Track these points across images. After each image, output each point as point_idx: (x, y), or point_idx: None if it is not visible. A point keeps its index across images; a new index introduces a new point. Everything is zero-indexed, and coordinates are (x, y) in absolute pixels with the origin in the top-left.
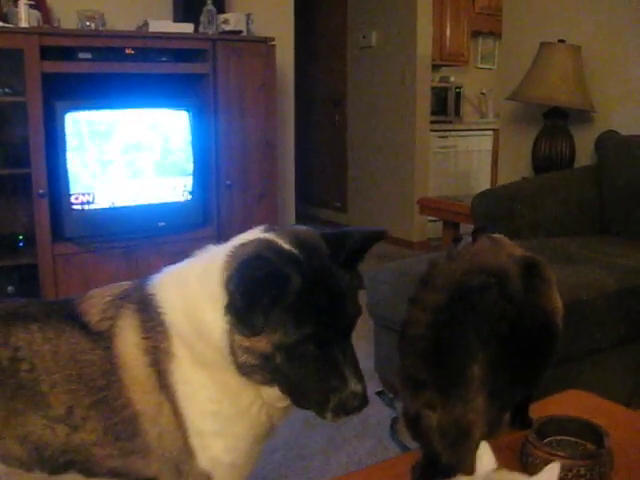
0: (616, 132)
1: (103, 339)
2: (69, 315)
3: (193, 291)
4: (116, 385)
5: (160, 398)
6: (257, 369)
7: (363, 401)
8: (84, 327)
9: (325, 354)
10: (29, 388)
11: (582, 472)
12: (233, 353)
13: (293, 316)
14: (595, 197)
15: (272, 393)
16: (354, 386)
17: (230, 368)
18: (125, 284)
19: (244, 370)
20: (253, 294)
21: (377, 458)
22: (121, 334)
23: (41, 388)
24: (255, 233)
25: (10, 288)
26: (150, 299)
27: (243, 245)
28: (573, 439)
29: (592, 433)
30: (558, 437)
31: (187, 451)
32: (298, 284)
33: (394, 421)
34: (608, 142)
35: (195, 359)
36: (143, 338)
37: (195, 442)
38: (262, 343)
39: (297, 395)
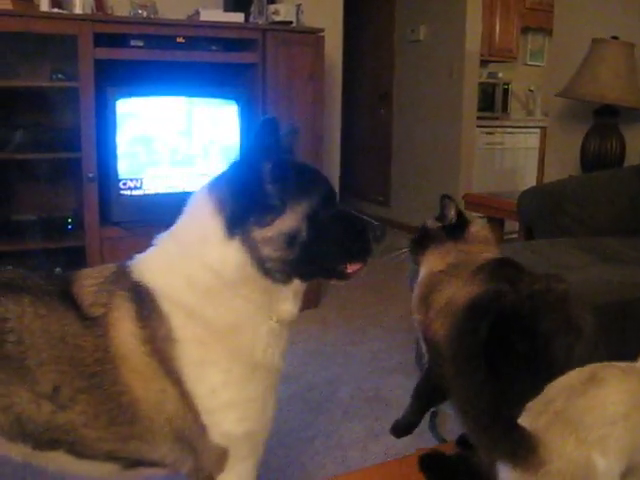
0: None
1: (97, 326)
2: (63, 293)
3: (184, 256)
4: (111, 373)
5: (163, 385)
6: (280, 260)
7: (383, 232)
8: (77, 309)
9: (344, 217)
10: (15, 360)
11: None
12: (255, 257)
13: (306, 185)
14: None
15: (287, 301)
16: (374, 223)
17: (251, 292)
18: (112, 267)
19: (268, 267)
20: (258, 179)
21: (415, 450)
22: (117, 324)
23: (28, 363)
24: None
25: (58, 269)
26: (140, 287)
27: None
28: None
29: None
30: None
31: (199, 430)
32: (284, 162)
33: (433, 414)
34: None
35: (204, 327)
36: (140, 327)
37: (207, 420)
38: (288, 220)
39: (321, 263)
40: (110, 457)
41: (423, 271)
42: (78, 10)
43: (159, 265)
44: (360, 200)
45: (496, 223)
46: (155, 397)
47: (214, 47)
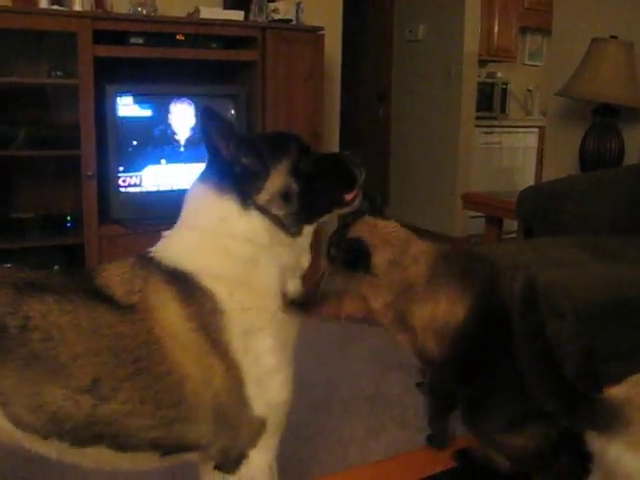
0: None
1: (135, 312)
2: (88, 288)
3: (213, 237)
4: (158, 353)
5: (211, 360)
6: (288, 215)
7: (359, 154)
8: (108, 300)
9: (322, 159)
10: (45, 358)
11: None
12: (271, 218)
13: (279, 145)
14: None
15: (305, 252)
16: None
17: (282, 251)
18: (131, 259)
19: (283, 223)
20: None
21: (415, 447)
22: (158, 307)
23: (60, 359)
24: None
25: (56, 267)
26: (174, 270)
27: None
28: None
29: None
30: None
31: (242, 403)
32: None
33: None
34: None
35: (249, 294)
36: (184, 306)
37: (252, 391)
38: (276, 180)
39: (320, 203)
40: (153, 445)
41: (372, 302)
42: (78, 7)
43: (186, 249)
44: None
45: (495, 222)
46: (202, 373)
47: (214, 45)
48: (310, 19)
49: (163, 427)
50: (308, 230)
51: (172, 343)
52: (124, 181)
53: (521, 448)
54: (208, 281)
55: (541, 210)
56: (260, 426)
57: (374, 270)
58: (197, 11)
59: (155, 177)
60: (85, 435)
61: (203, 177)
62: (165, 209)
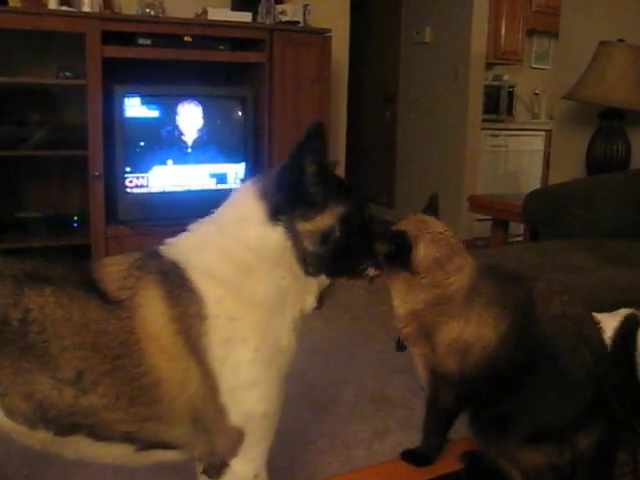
0: None
1: (122, 309)
2: (85, 282)
3: (220, 234)
4: (137, 354)
5: (188, 364)
6: (315, 254)
7: None
8: (101, 295)
9: (367, 222)
10: (38, 349)
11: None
12: (296, 246)
13: (344, 191)
14: None
15: (312, 294)
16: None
17: (285, 275)
18: (136, 254)
19: (304, 259)
20: (307, 178)
21: None
22: (144, 305)
23: (50, 350)
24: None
25: None
26: (173, 266)
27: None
28: (630, 434)
29: None
30: None
31: (217, 410)
32: (330, 165)
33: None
34: None
35: (239, 302)
36: (169, 307)
37: (227, 399)
38: (327, 219)
39: (348, 262)
40: (127, 438)
41: (401, 306)
42: (86, 8)
43: (193, 244)
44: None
45: (501, 225)
46: (179, 376)
47: (221, 46)
48: (317, 21)
49: (136, 423)
50: (322, 280)
51: (151, 345)
52: (131, 182)
53: (536, 465)
54: (201, 281)
55: (547, 213)
56: (238, 436)
57: (414, 267)
58: (205, 12)
59: (162, 178)
60: (66, 424)
61: (259, 179)
62: (172, 210)
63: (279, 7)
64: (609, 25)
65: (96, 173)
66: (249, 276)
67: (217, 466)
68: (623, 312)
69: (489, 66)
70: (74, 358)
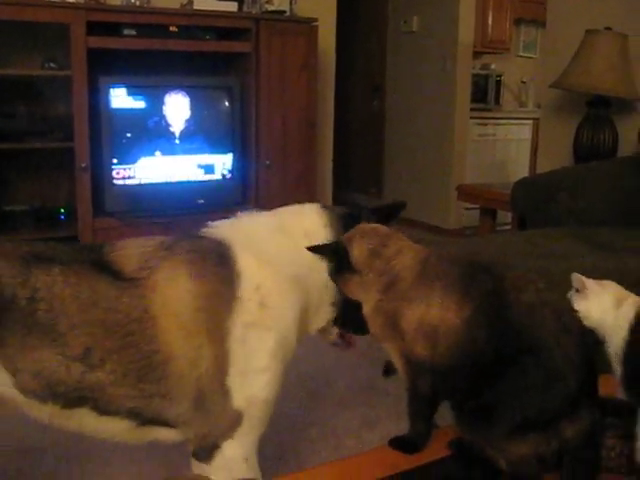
0: None
1: (136, 287)
2: (96, 262)
3: (286, 237)
4: (150, 331)
5: (202, 341)
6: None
7: None
8: (113, 275)
9: None
10: (46, 326)
11: (625, 451)
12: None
13: None
14: (638, 187)
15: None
16: None
17: (322, 291)
18: (161, 238)
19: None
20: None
21: None
22: (167, 282)
23: (58, 328)
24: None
25: None
26: (215, 246)
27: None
28: (616, 419)
29: (633, 413)
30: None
31: (222, 392)
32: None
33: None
34: None
35: (280, 293)
36: (199, 284)
37: (234, 382)
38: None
39: (348, 309)
40: (130, 414)
41: (364, 309)
42: None
43: (248, 225)
44: (353, 191)
45: (489, 214)
46: (191, 354)
47: (207, 36)
48: (304, 10)
49: (142, 399)
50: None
51: (167, 322)
52: (118, 173)
53: (522, 455)
54: (245, 262)
55: (535, 201)
56: (237, 418)
57: (356, 266)
58: (190, 2)
59: (149, 169)
60: (73, 397)
61: (328, 207)
62: (160, 201)
63: None
64: (596, 13)
65: (82, 165)
66: (296, 277)
67: (209, 448)
68: (608, 283)
69: (477, 55)
70: (82, 335)
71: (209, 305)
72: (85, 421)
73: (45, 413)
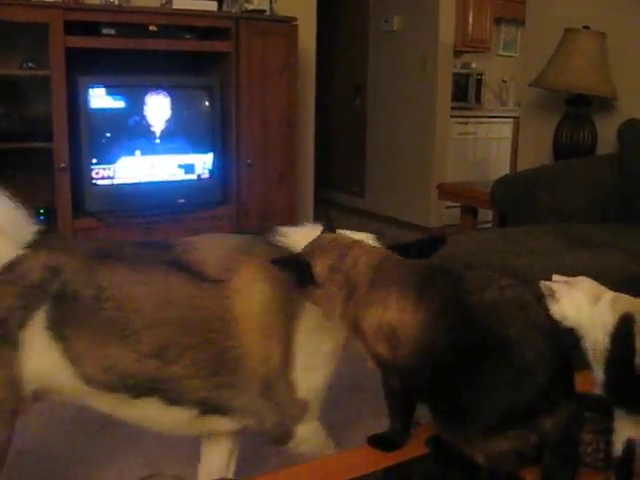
0: (638, 120)
1: (221, 288)
2: (173, 262)
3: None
4: (229, 330)
5: (273, 341)
6: None
7: None
8: (194, 275)
9: None
10: (116, 325)
11: (602, 446)
12: None
13: None
14: (616, 184)
15: None
16: None
17: None
18: (234, 240)
19: None
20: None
21: None
22: (248, 285)
23: (131, 326)
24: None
25: None
26: (289, 250)
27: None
28: (593, 414)
29: (611, 409)
30: None
31: (287, 385)
32: None
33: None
34: (630, 130)
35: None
36: (275, 289)
37: (298, 377)
38: None
39: None
40: (199, 403)
41: (330, 314)
42: None
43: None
44: (336, 191)
45: (470, 212)
46: (264, 352)
47: (187, 35)
48: (284, 10)
49: (213, 390)
50: None
51: (247, 322)
52: (97, 173)
53: (501, 451)
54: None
55: (515, 199)
56: (304, 406)
57: (318, 280)
58: (170, 1)
59: (129, 169)
60: (143, 389)
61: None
62: (140, 201)
63: None
64: (575, 12)
65: (62, 165)
66: None
67: (285, 432)
68: (579, 280)
69: (457, 54)
70: (158, 333)
71: (282, 309)
72: (150, 411)
73: (109, 403)
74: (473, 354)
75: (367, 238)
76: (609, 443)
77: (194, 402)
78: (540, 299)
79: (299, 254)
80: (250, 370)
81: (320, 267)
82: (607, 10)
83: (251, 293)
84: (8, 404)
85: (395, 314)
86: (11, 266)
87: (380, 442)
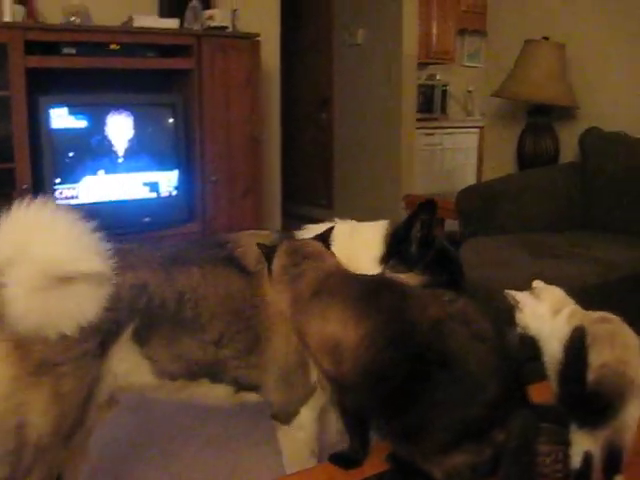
0: (599, 128)
1: (255, 278)
2: (227, 259)
3: (352, 243)
4: (263, 315)
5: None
6: None
7: None
8: (240, 269)
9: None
10: (190, 320)
11: (560, 457)
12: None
13: (436, 262)
14: (579, 193)
15: None
16: None
17: None
18: (272, 234)
19: None
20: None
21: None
22: None
23: (200, 320)
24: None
25: None
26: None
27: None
28: (551, 425)
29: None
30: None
31: (303, 369)
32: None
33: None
34: (591, 138)
35: None
36: None
37: (316, 359)
38: (412, 279)
39: None
40: (233, 381)
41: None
42: (8, 18)
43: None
44: (304, 205)
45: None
46: (287, 334)
47: (149, 53)
48: (247, 26)
49: (246, 369)
50: None
51: (275, 308)
52: (61, 193)
53: (456, 465)
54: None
55: (479, 210)
56: (312, 390)
57: (273, 276)
58: (131, 20)
59: (93, 188)
60: (201, 372)
61: (390, 224)
62: (105, 221)
63: (207, 12)
64: (535, 23)
65: (24, 186)
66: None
67: (290, 412)
68: (548, 289)
69: (422, 66)
70: (219, 323)
71: None
72: (198, 390)
73: (167, 390)
74: (416, 370)
75: (380, 224)
76: (567, 454)
77: (230, 380)
78: (484, 314)
79: (272, 248)
80: (274, 351)
81: (276, 265)
82: (566, 21)
83: None
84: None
85: (337, 327)
86: None
87: (341, 460)
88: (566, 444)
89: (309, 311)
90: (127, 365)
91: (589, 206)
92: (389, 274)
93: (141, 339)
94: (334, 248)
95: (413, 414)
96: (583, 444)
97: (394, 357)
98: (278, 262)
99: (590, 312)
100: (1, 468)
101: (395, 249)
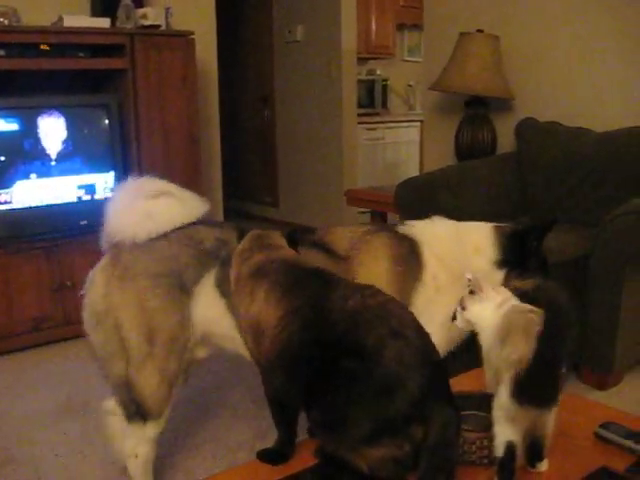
0: (534, 119)
1: (348, 263)
2: (316, 242)
3: (461, 246)
4: None
5: None
6: None
7: None
8: (329, 252)
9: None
10: None
11: (485, 443)
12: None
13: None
14: (516, 182)
15: None
16: None
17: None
18: (365, 227)
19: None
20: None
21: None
22: (371, 261)
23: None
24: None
25: None
26: (407, 240)
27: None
28: (477, 412)
29: None
30: (464, 412)
31: None
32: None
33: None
34: (527, 129)
35: (444, 294)
36: (395, 265)
37: None
38: (526, 284)
39: None
40: None
41: None
42: None
43: (430, 232)
44: (249, 202)
45: (379, 216)
46: None
47: (81, 53)
48: (182, 24)
49: None
50: None
51: None
52: None
53: (379, 459)
54: (428, 256)
55: (418, 202)
56: None
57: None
58: (61, 19)
59: (27, 193)
60: None
61: (499, 229)
62: (41, 225)
63: (140, 11)
64: (469, 16)
65: None
66: (459, 276)
67: None
68: (470, 276)
69: (363, 61)
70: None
71: (400, 282)
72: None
73: (239, 344)
74: (330, 357)
75: (485, 227)
76: (492, 440)
77: None
78: (406, 308)
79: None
80: None
81: (237, 248)
82: (500, 13)
83: (372, 267)
84: (180, 340)
85: (261, 307)
86: (190, 234)
87: (269, 456)
88: (491, 430)
89: (243, 290)
90: (214, 312)
91: (526, 195)
92: (511, 281)
93: (223, 289)
94: (440, 247)
95: (331, 405)
96: (505, 435)
97: (307, 340)
98: (241, 246)
99: (530, 307)
100: (119, 364)
101: (515, 256)
